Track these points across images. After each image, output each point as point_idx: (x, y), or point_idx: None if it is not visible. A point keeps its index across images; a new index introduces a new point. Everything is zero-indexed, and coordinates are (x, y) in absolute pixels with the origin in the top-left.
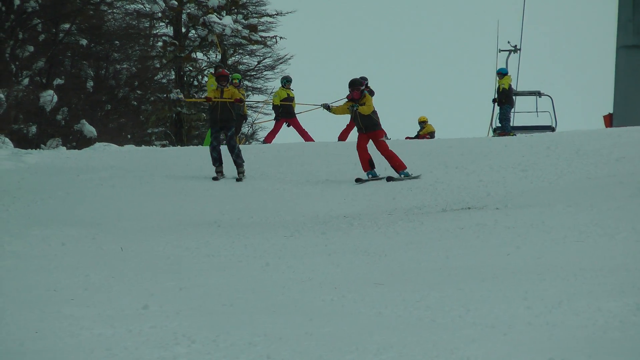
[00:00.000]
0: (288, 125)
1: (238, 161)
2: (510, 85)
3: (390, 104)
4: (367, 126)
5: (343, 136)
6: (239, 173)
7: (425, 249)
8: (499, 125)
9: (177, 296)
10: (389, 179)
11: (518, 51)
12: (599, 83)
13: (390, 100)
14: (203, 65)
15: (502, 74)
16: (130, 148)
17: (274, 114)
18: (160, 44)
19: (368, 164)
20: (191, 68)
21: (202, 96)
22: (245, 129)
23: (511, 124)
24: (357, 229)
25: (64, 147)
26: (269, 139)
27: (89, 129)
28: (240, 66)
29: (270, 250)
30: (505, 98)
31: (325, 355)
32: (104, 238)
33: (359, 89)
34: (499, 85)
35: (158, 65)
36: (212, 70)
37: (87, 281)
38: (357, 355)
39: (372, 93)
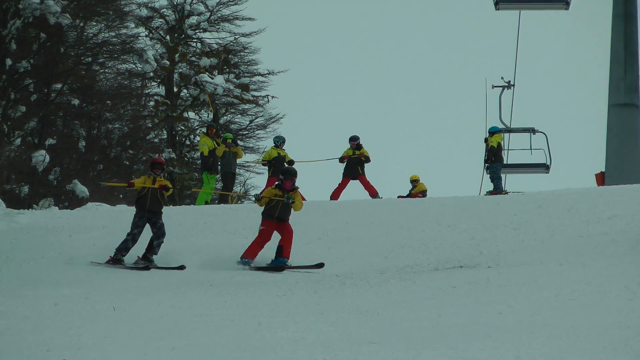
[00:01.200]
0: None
1: (155, 250)
2: (499, 143)
3: (382, 162)
4: (282, 217)
5: (335, 195)
6: (146, 257)
7: (418, 307)
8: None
9: (170, 356)
10: (257, 267)
11: (512, 87)
12: (591, 139)
13: (382, 159)
14: (195, 124)
15: (492, 132)
16: (123, 208)
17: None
18: (152, 103)
19: (253, 254)
20: (183, 127)
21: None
22: (237, 187)
23: (505, 162)
24: (350, 287)
25: (56, 207)
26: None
27: (81, 189)
28: (232, 125)
29: (263, 309)
30: (494, 156)
31: None
32: (96, 298)
33: (292, 180)
34: (488, 142)
35: (150, 125)
36: (204, 130)
37: (80, 341)
38: None
39: (359, 147)
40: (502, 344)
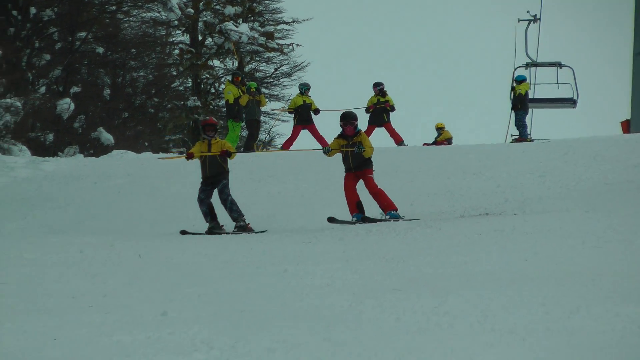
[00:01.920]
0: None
1: (233, 215)
2: (527, 92)
3: (407, 110)
4: (359, 165)
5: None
6: (240, 227)
7: (443, 255)
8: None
9: (196, 302)
10: (365, 219)
11: (538, 21)
12: (616, 87)
13: (407, 107)
14: (220, 72)
15: (519, 80)
16: (148, 155)
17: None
18: (176, 51)
19: (356, 206)
20: (208, 75)
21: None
22: (262, 135)
23: (532, 97)
24: (375, 235)
25: (81, 155)
26: (287, 145)
27: (106, 137)
28: (257, 74)
29: (289, 256)
30: (520, 104)
31: None
32: (122, 245)
33: (353, 124)
34: (515, 90)
35: (175, 73)
36: (229, 78)
37: (105, 288)
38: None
39: (383, 93)
40: (528, 291)
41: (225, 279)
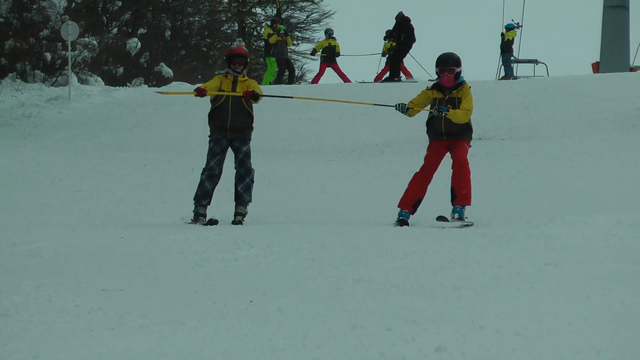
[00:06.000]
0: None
1: (244, 196)
2: (514, 38)
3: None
4: (454, 131)
5: (378, 78)
6: (236, 214)
7: (438, 174)
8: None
9: None
10: (440, 218)
11: (520, 28)
12: (587, 35)
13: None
14: (261, 18)
15: (508, 28)
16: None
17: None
18: (226, 0)
19: (412, 205)
20: (251, 21)
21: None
22: (298, 72)
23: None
24: (388, 155)
25: (146, 85)
26: (316, 80)
27: (167, 71)
28: (292, 20)
29: (317, 173)
30: (506, 47)
31: (360, 258)
32: (179, 161)
33: (452, 71)
34: (504, 36)
35: (224, 18)
36: (269, 23)
37: (164, 196)
38: (386, 259)
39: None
40: (513, 204)
41: (263, 190)
